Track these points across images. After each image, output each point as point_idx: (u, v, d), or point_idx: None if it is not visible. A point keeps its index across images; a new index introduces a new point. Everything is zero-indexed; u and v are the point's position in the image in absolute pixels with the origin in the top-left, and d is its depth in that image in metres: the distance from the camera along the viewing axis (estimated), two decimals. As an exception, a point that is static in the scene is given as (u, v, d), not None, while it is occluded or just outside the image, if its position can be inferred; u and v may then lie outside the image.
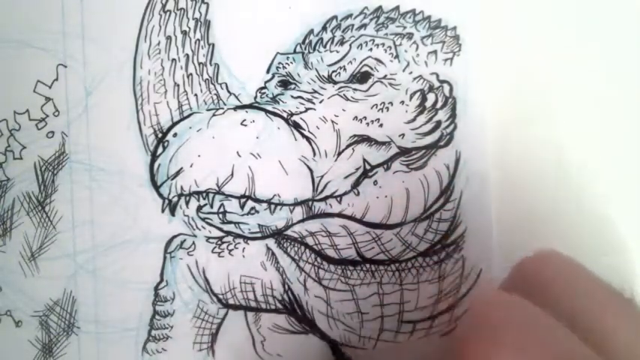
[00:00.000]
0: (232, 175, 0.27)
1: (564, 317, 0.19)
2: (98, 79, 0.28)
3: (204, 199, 0.27)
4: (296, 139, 0.27)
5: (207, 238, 0.28)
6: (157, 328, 0.28)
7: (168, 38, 0.28)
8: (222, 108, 0.28)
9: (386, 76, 0.28)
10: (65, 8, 0.27)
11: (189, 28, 0.28)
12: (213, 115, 0.27)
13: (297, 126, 0.28)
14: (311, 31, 0.28)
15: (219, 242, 0.28)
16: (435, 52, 0.29)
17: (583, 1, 0.29)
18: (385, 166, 0.28)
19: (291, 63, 0.28)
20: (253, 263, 0.28)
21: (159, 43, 0.28)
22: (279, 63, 0.28)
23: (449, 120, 0.29)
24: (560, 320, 0.19)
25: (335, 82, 0.28)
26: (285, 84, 0.28)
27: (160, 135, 0.28)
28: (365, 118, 0.28)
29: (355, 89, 0.28)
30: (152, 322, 0.28)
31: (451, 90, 0.29)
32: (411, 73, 0.28)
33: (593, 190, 0.30)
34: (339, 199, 0.28)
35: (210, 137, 0.27)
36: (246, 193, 0.27)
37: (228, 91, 0.28)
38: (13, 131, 0.27)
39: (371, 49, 0.28)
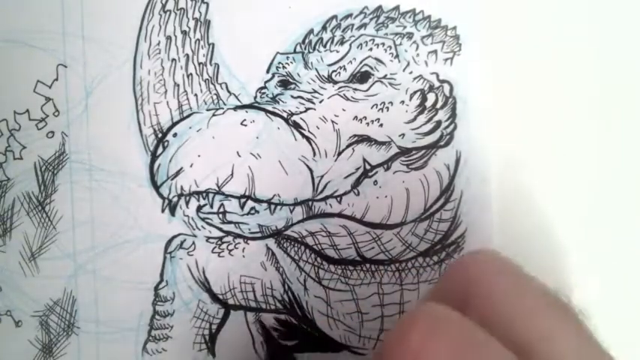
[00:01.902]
0: (232, 175, 0.27)
1: (491, 322, 0.18)
2: (98, 79, 0.28)
3: (204, 199, 0.27)
4: (296, 139, 0.27)
5: (207, 238, 0.28)
6: (156, 328, 0.28)
7: (168, 38, 0.28)
8: (222, 108, 0.28)
9: (386, 75, 0.28)
10: (65, 8, 0.27)
11: (189, 28, 0.28)
12: (213, 115, 0.27)
13: (297, 126, 0.28)
14: (311, 31, 0.28)
15: (219, 242, 0.28)
16: (435, 51, 0.29)
17: (582, 0, 0.29)
18: (385, 166, 0.28)
19: (291, 63, 0.28)
20: (253, 263, 0.28)
21: (159, 43, 0.28)
22: (279, 63, 0.28)
23: (449, 120, 0.29)
24: (486, 326, 0.18)
25: (335, 82, 0.28)
26: (285, 84, 0.28)
27: (160, 135, 0.28)
28: (365, 118, 0.28)
29: (355, 89, 0.28)
30: (152, 322, 0.28)
31: (451, 90, 0.29)
32: (411, 72, 0.28)
33: (592, 190, 0.30)
34: (339, 199, 0.28)
35: (210, 137, 0.27)
36: (246, 193, 0.27)
37: (228, 91, 0.28)
38: (13, 131, 0.27)
39: (371, 49, 0.28)
